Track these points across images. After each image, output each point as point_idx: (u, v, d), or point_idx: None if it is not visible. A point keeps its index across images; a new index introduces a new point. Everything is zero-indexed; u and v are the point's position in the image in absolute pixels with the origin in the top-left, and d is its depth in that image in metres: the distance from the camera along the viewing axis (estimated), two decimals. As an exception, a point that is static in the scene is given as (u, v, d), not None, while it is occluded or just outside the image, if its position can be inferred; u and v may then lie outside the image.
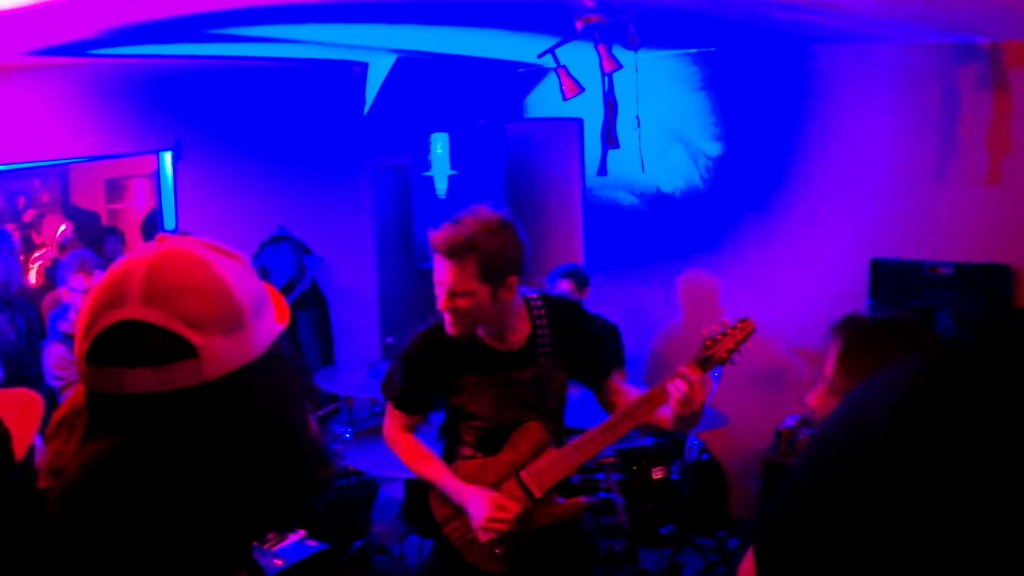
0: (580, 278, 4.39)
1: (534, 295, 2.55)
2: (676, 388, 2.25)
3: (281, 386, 0.90)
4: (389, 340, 4.80)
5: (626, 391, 2.56)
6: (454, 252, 2.29)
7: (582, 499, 2.61)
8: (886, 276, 4.29)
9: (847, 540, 0.61)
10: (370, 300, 5.85)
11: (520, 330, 2.46)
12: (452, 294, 2.32)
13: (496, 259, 2.30)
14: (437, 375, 2.48)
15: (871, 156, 4.41)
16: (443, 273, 2.32)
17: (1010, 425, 0.62)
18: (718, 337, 2.34)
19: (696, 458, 4.24)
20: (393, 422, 2.60)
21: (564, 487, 2.58)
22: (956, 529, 0.58)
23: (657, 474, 3.98)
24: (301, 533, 3.39)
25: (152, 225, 5.92)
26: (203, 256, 0.87)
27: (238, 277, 0.88)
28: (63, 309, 3.73)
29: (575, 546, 2.67)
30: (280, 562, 3.21)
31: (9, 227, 6.69)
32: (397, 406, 2.58)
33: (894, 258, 4.29)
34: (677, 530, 4.08)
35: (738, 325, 2.36)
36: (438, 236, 2.31)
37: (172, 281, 0.83)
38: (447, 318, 2.37)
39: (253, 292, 0.89)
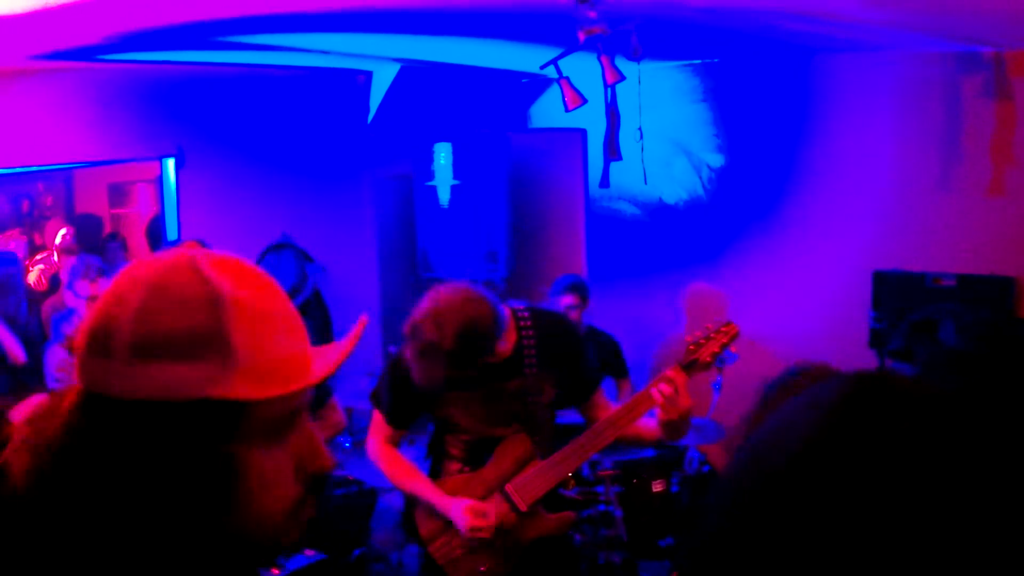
0: (582, 291, 4.36)
1: (521, 307, 2.53)
2: (661, 392, 2.24)
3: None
4: (392, 349, 4.79)
5: (610, 408, 2.53)
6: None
7: (570, 513, 2.58)
8: (888, 288, 4.27)
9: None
10: (372, 309, 5.84)
11: (506, 342, 2.44)
12: None
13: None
14: (423, 388, 2.46)
15: (873, 167, 4.40)
16: None
17: (937, 449, 0.52)
18: (701, 341, 2.34)
19: (697, 470, 4.21)
20: (378, 435, 2.60)
21: (554, 500, 2.55)
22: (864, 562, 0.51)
23: (657, 486, 3.96)
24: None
25: (157, 231, 5.92)
26: (205, 291, 0.80)
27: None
28: (68, 313, 3.76)
29: (565, 561, 2.63)
30: (277, 571, 3.20)
31: (14, 232, 6.72)
32: (385, 419, 2.57)
33: (897, 270, 4.27)
34: (677, 543, 4.05)
35: (721, 329, 2.36)
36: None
37: (164, 330, 0.78)
38: None
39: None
